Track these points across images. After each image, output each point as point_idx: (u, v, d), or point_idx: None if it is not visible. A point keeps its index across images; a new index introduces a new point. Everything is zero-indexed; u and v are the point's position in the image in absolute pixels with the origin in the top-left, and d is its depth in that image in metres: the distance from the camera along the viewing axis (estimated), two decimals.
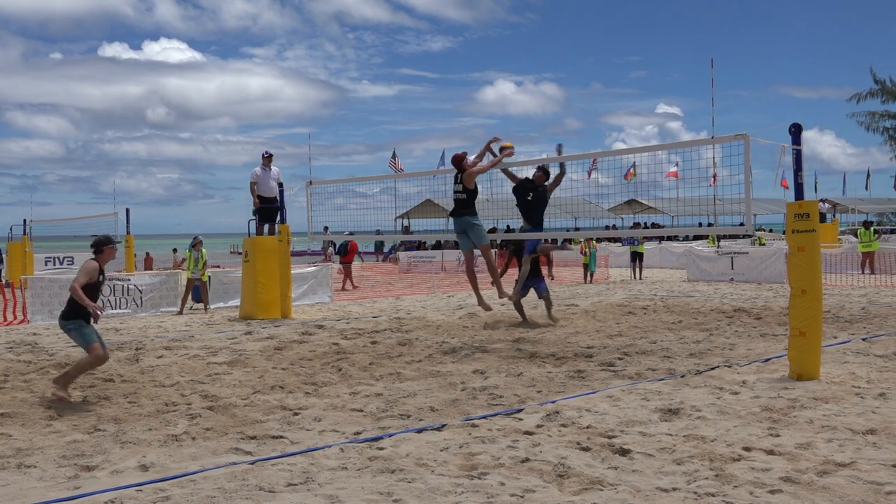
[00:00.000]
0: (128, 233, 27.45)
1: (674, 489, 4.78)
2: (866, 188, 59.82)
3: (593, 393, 7.60)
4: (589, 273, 24.23)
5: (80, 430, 6.51)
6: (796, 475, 4.96)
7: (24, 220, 30.07)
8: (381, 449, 5.76)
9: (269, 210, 15.82)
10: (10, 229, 30.71)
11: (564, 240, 17.33)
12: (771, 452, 5.49)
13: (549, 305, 13.43)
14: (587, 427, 6.28)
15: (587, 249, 23.95)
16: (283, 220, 15.71)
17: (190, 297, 17.51)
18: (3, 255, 27.74)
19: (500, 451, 5.66)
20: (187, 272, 17.11)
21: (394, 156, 42.24)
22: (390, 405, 7.21)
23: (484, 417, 6.67)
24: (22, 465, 5.54)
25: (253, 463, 5.46)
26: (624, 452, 5.54)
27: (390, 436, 6.12)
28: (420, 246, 40.01)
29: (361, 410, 7.03)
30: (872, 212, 58.90)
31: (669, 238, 38.12)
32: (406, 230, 45.03)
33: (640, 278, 24.84)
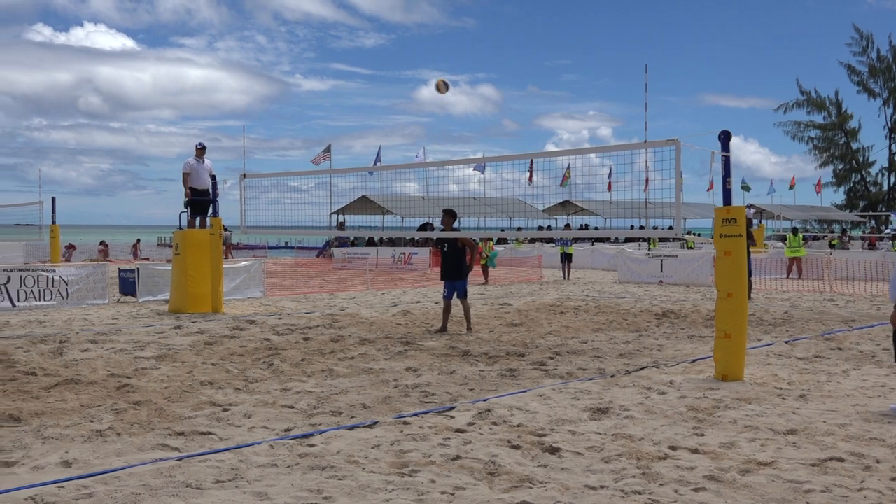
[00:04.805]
0: (53, 222, 26.77)
1: (601, 487, 4.86)
2: (790, 188, 61.27)
3: (524, 392, 7.67)
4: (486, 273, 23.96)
5: None
6: (719, 474, 5.08)
7: None
8: (312, 446, 5.72)
9: (201, 203, 15.57)
10: None
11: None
12: (695, 451, 5.61)
13: (467, 312, 12.31)
14: (518, 425, 6.34)
15: (486, 252, 23.80)
16: (215, 214, 15.48)
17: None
18: None
19: (432, 448, 5.67)
20: None
21: (326, 150, 41.39)
22: (322, 402, 7.16)
23: (416, 415, 6.68)
24: None
25: (180, 459, 5.37)
26: (553, 451, 5.61)
27: (321, 433, 6.08)
28: (353, 243, 39.73)
29: (292, 407, 6.97)
30: (797, 218, 60.63)
31: (601, 240, 38.67)
32: (341, 226, 44.76)
33: (569, 279, 25.15)
